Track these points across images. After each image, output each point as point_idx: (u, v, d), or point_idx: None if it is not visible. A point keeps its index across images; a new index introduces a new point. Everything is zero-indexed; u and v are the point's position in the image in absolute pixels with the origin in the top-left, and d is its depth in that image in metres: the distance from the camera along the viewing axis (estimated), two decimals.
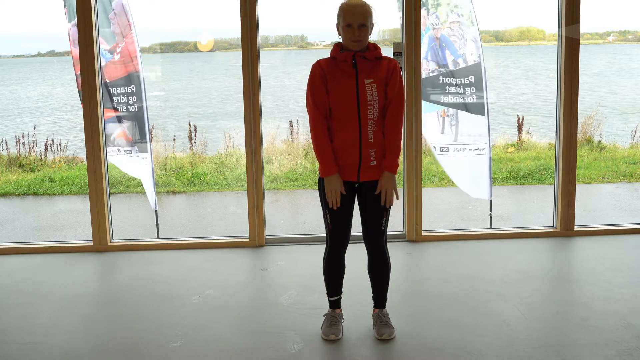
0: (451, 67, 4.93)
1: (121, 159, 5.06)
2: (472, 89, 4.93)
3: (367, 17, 2.98)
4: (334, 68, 3.05)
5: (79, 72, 4.80)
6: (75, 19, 4.63)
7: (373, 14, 3.02)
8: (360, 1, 3.00)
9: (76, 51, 4.84)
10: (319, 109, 3.04)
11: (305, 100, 3.13)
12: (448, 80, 4.95)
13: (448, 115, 5.03)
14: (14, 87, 25.47)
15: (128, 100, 4.88)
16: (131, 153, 5.00)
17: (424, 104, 5.04)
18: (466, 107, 4.97)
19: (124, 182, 7.84)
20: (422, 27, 4.87)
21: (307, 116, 3.12)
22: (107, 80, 4.89)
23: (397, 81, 3.06)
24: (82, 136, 4.76)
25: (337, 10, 3.06)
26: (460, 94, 4.95)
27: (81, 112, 4.67)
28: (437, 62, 4.94)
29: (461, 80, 4.91)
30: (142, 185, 5.25)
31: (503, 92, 18.85)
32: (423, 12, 4.85)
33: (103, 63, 4.86)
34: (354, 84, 3.00)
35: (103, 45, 4.83)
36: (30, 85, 25.97)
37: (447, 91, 4.98)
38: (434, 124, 5.08)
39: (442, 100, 5.00)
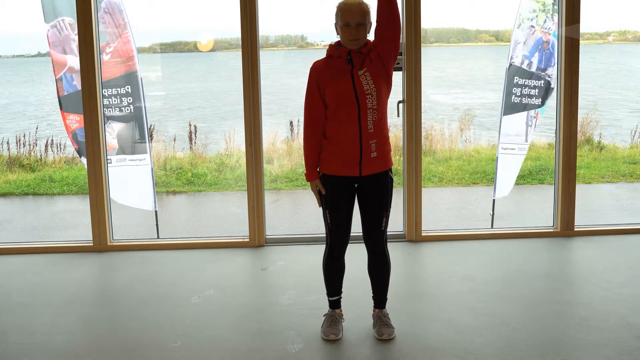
0: (550, 72, 5.04)
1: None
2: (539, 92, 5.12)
3: (365, 15, 3.01)
4: (330, 67, 3.07)
5: (59, 75, 4.77)
6: (55, 20, 4.67)
7: (370, 12, 3.04)
8: (357, 0, 3.01)
9: (57, 54, 4.82)
10: (313, 121, 3.12)
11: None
12: (524, 82, 5.07)
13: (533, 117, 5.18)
14: (13, 87, 25.46)
15: (122, 101, 4.83)
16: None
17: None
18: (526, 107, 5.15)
19: None
20: (529, 31, 4.96)
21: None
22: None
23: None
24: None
25: (334, 10, 3.07)
26: (534, 96, 5.10)
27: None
28: (544, 67, 5.04)
29: (539, 83, 5.07)
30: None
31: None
32: (543, 14, 4.92)
33: None
34: (349, 78, 3.02)
35: None
36: (30, 85, 25.97)
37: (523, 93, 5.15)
38: (522, 126, 5.19)
39: (525, 102, 5.16)
